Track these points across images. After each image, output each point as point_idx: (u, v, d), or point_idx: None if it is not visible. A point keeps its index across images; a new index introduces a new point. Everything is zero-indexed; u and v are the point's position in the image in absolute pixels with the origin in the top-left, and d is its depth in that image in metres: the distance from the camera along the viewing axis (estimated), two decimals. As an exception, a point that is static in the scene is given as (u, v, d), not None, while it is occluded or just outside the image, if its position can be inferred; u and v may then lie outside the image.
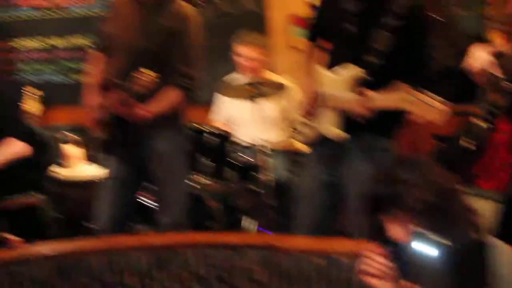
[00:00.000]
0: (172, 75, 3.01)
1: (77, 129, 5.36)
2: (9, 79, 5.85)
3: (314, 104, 2.86)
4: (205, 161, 3.92)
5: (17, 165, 4.00)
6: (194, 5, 3.19)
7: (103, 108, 3.14)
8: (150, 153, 3.13)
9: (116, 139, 3.14)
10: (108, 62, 3.22)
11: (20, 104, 4.21)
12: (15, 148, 3.89)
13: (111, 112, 3.04)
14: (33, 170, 4.20)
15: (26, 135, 4.04)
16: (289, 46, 5.04)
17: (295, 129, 3.93)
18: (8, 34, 5.86)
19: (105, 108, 3.11)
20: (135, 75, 2.79)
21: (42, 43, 5.82)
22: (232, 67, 4.53)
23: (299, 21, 4.96)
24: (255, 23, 5.04)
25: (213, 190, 4.06)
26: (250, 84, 3.86)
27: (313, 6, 3.17)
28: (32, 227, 4.30)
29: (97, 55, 3.31)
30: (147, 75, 2.77)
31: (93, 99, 3.18)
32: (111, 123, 3.10)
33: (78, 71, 5.74)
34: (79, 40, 5.69)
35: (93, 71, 3.29)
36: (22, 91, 5.43)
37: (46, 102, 5.73)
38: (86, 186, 4.19)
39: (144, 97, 2.91)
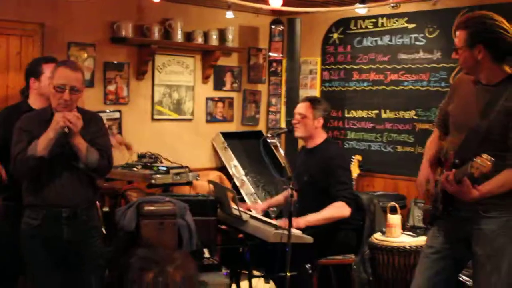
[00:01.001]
0: (509, 157, 2.94)
1: (393, 197, 5.53)
2: (339, 146, 6.24)
3: None
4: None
5: (340, 228, 4.28)
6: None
7: (433, 182, 3.19)
8: (475, 232, 3.07)
9: (442, 213, 3.15)
10: (445, 139, 3.28)
11: (349, 169, 4.46)
12: (343, 211, 4.15)
13: (441, 187, 3.06)
14: (354, 233, 4.42)
15: (352, 200, 4.28)
16: None
17: None
18: (341, 104, 6.31)
19: (436, 183, 3.15)
20: (475, 158, 2.78)
21: (369, 113, 6.14)
22: None
23: None
24: None
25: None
26: None
27: None
28: (344, 284, 4.51)
29: (435, 131, 3.38)
30: (486, 161, 2.74)
31: (426, 173, 3.25)
32: (440, 198, 3.13)
33: (402, 143, 5.91)
34: (406, 114, 5.86)
35: (430, 146, 3.36)
36: (351, 158, 5.80)
37: (365, 168, 6.02)
38: (402, 253, 4.26)
39: (477, 179, 2.88)
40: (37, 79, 3.65)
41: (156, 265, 1.54)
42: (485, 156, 2.73)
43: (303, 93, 6.21)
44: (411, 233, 4.49)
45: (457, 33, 3.01)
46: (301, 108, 4.38)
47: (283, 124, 6.41)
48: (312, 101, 4.40)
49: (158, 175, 4.91)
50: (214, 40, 6.05)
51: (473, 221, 3.06)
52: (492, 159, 2.71)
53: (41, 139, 3.24)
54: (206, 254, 4.17)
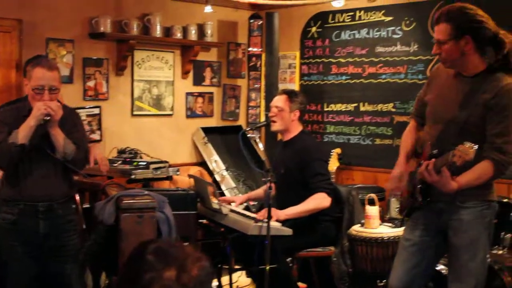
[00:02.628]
0: (486, 149, 2.98)
1: (372, 189, 5.57)
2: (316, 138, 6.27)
3: None
4: (508, 235, 3.82)
5: (319, 220, 4.31)
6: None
7: (410, 174, 3.22)
8: (452, 222, 3.12)
9: (420, 204, 3.19)
10: (422, 129, 3.31)
11: (326, 161, 4.49)
12: (323, 202, 4.18)
13: (420, 178, 3.10)
14: (333, 225, 4.45)
15: (332, 191, 4.32)
16: None
17: None
18: (320, 97, 6.35)
19: (413, 175, 3.19)
20: (457, 147, 2.81)
21: (348, 106, 6.18)
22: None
23: None
24: None
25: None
26: None
27: None
28: (324, 276, 4.55)
29: (412, 122, 3.41)
30: (468, 149, 2.77)
31: (401, 169, 3.27)
32: (418, 189, 3.16)
33: (380, 136, 5.96)
34: (384, 106, 5.91)
35: (407, 138, 3.39)
36: (330, 151, 5.84)
37: (344, 161, 6.07)
38: (380, 244, 4.30)
39: (458, 168, 2.92)
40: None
41: (175, 260, 1.52)
42: (467, 144, 2.77)
43: (283, 87, 6.21)
44: (390, 224, 4.54)
45: (439, 27, 3.01)
46: (278, 101, 4.40)
47: (263, 119, 6.43)
48: (289, 94, 4.42)
49: (138, 170, 4.92)
50: (193, 35, 6.06)
51: (450, 212, 3.11)
52: (475, 146, 2.75)
53: (21, 127, 3.28)
54: (186, 248, 4.17)
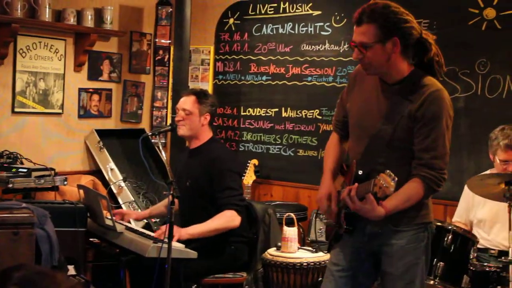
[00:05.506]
0: (414, 166, 3.05)
1: (293, 207, 5.62)
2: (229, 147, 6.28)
3: None
4: (440, 263, 3.92)
5: (229, 241, 4.31)
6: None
7: (336, 196, 3.25)
8: (385, 248, 3.16)
9: (346, 232, 3.22)
10: (346, 143, 3.36)
11: (239, 173, 4.50)
12: (232, 221, 4.18)
13: (344, 204, 3.13)
14: (245, 247, 4.46)
15: (243, 208, 4.32)
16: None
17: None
18: (236, 100, 6.36)
19: (338, 196, 3.22)
20: (379, 176, 2.85)
21: (268, 111, 6.22)
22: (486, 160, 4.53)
23: None
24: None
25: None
26: (506, 183, 3.84)
27: None
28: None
29: (334, 135, 3.44)
30: (390, 182, 2.82)
31: (327, 187, 3.29)
32: (343, 215, 3.20)
33: (304, 146, 6.02)
34: (309, 113, 5.98)
35: (330, 153, 3.42)
36: (246, 162, 5.85)
37: (262, 174, 6.10)
38: (298, 271, 4.33)
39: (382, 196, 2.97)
40: None
41: None
42: (388, 174, 2.81)
43: (194, 86, 6.21)
44: (309, 248, 4.58)
45: (361, 28, 3.03)
46: (186, 103, 4.38)
47: (169, 122, 6.39)
48: (198, 94, 4.41)
49: (17, 179, 4.77)
50: (89, 21, 5.95)
51: (382, 236, 3.15)
52: (396, 178, 2.80)
53: None
54: (71, 271, 4.09)
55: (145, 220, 5.11)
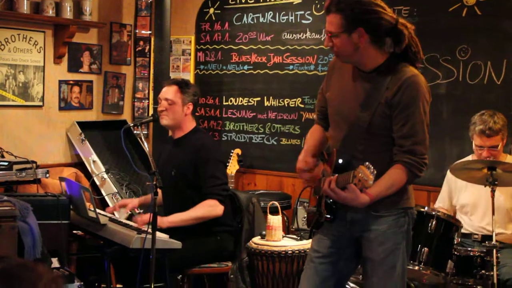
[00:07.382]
0: (396, 152, 3.05)
1: (277, 195, 5.62)
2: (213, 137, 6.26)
3: None
4: (424, 248, 3.94)
5: (214, 231, 4.31)
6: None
7: (315, 181, 3.26)
8: (365, 233, 3.17)
9: (327, 220, 3.22)
10: (325, 131, 3.36)
11: (223, 162, 4.50)
12: (214, 210, 4.18)
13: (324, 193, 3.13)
14: (230, 237, 4.46)
15: (226, 198, 4.32)
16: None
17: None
18: (218, 89, 6.34)
19: (317, 183, 3.23)
20: (358, 168, 2.86)
21: (250, 101, 6.20)
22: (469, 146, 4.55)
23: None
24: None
25: (429, 281, 4.04)
26: (489, 168, 3.85)
27: None
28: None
29: (316, 126, 3.44)
30: (369, 175, 2.83)
31: (303, 158, 3.29)
32: (323, 203, 3.20)
33: (287, 135, 6.02)
34: (292, 102, 5.97)
35: (311, 135, 3.42)
36: (229, 152, 5.84)
37: (245, 163, 6.09)
38: (283, 259, 4.33)
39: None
40: None
41: (23, 284, 1.43)
42: (367, 166, 2.82)
43: (175, 77, 6.18)
44: (294, 236, 4.58)
45: (330, 17, 3.04)
46: (168, 93, 4.36)
47: (151, 113, 6.35)
48: (180, 84, 4.39)
49: (-2, 172, 4.75)
50: (68, 12, 5.90)
51: (363, 222, 3.16)
52: (375, 172, 2.81)
53: None
54: (55, 264, 4.06)
55: (129, 212, 5.08)
